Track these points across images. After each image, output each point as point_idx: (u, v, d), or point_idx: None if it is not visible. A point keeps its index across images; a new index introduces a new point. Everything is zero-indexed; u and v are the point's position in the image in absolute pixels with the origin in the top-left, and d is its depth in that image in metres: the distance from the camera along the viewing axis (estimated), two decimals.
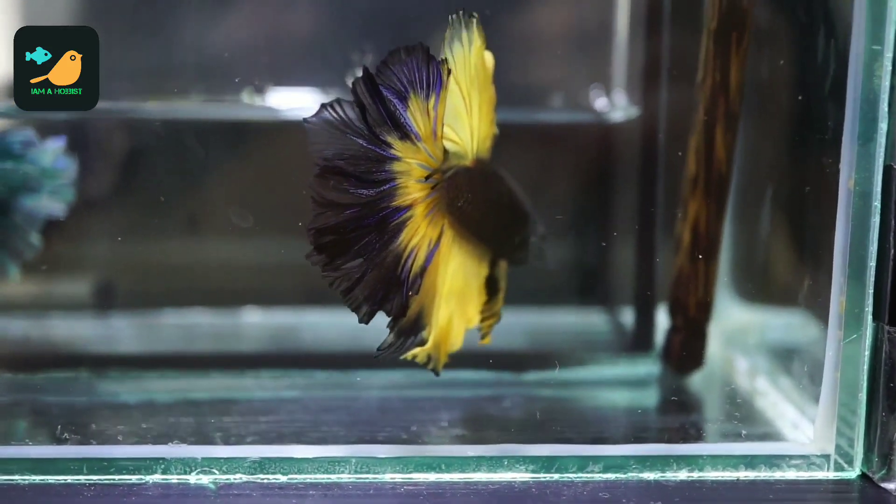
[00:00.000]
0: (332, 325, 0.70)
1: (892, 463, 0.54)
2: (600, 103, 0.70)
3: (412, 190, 0.51)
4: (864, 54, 0.52)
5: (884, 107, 0.52)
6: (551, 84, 0.71)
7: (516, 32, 0.70)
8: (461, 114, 0.52)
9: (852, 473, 0.55)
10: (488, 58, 0.53)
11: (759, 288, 0.69)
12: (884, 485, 0.54)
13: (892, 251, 0.53)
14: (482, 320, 0.57)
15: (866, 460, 0.55)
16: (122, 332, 0.70)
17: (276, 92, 0.66)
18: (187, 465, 0.53)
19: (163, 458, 0.53)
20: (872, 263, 0.53)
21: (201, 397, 0.62)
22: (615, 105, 0.69)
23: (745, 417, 0.61)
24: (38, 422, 0.59)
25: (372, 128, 0.49)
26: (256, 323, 0.72)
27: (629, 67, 0.68)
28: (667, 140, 0.64)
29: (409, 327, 0.53)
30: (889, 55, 0.51)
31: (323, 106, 0.49)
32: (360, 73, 0.49)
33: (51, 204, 0.64)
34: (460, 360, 0.64)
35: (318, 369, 0.65)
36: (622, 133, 0.68)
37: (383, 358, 0.52)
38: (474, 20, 0.52)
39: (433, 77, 0.50)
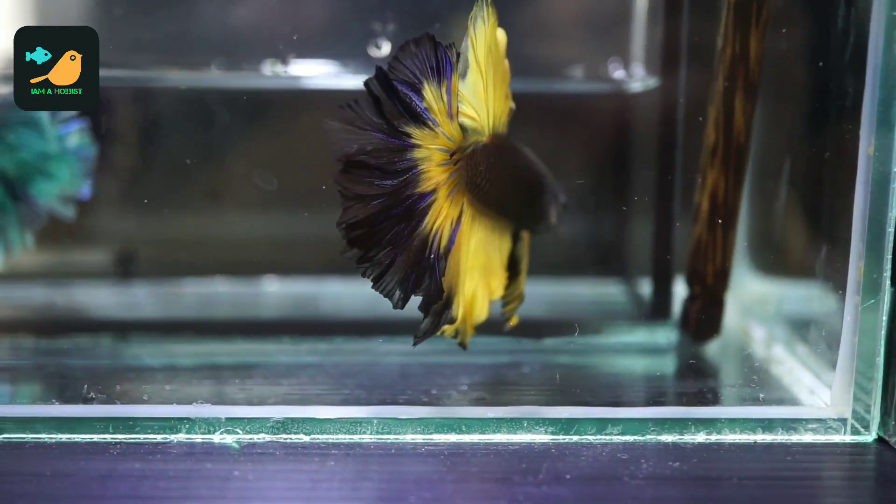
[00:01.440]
0: (352, 293, 0.71)
1: None
2: (619, 74, 0.70)
3: (434, 174, 0.52)
4: (885, 21, 0.52)
5: None
6: (572, 56, 0.71)
7: (537, 5, 0.70)
8: (479, 91, 0.53)
9: (869, 437, 0.55)
10: (501, 35, 0.54)
11: (777, 258, 0.69)
12: None
13: None
14: (505, 304, 0.58)
15: (883, 424, 0.55)
16: (145, 299, 0.71)
17: (297, 63, 0.67)
18: (211, 425, 0.54)
19: (187, 418, 0.54)
20: (891, 229, 0.54)
21: (223, 362, 0.63)
22: (634, 75, 0.70)
23: (761, 383, 0.62)
24: (65, 384, 0.60)
25: (390, 121, 0.51)
26: (277, 291, 0.72)
27: (648, 39, 0.69)
28: (686, 109, 0.65)
29: (441, 307, 0.54)
30: None
31: (340, 107, 0.50)
32: (376, 69, 0.50)
33: (59, 202, 0.64)
34: (481, 327, 0.65)
35: (339, 336, 0.66)
36: (641, 103, 0.69)
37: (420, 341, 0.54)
38: None
39: (442, 62, 0.51)
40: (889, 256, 0.54)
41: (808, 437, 0.56)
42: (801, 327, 0.64)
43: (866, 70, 0.53)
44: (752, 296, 0.72)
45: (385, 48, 0.65)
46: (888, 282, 0.54)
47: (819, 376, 0.60)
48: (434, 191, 0.53)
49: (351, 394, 0.59)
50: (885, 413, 0.55)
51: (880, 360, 0.55)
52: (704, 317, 0.65)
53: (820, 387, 0.59)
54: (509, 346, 0.65)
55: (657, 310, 0.67)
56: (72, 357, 0.63)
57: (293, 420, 0.55)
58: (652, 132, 0.67)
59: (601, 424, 0.55)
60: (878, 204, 0.54)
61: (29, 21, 0.68)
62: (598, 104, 0.71)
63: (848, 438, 0.56)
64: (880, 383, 0.55)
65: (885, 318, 0.54)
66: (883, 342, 0.55)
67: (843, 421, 0.56)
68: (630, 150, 0.70)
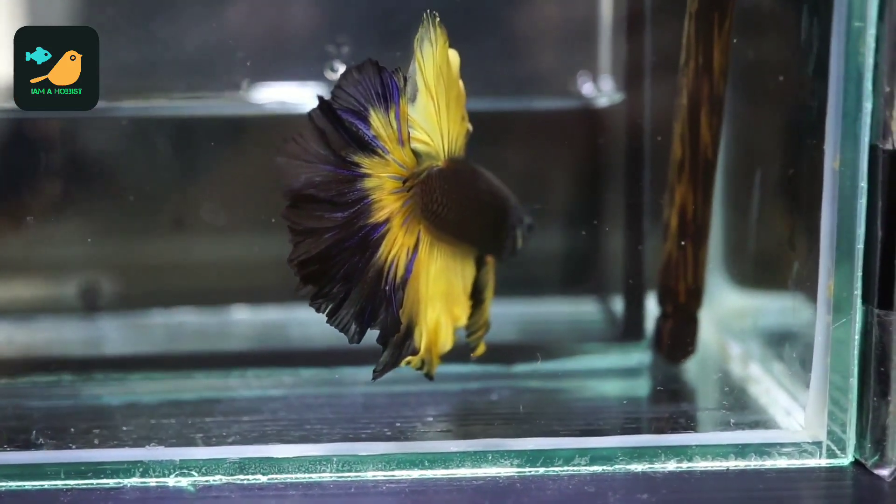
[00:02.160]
0: (319, 321, 0.69)
1: (885, 449, 0.52)
2: (587, 89, 0.69)
3: (387, 202, 0.51)
4: (847, 31, 0.50)
5: (868, 85, 0.50)
6: (538, 71, 0.70)
7: (505, 21, 0.69)
8: (431, 114, 0.52)
9: (845, 460, 0.54)
10: (453, 55, 0.53)
11: (753, 272, 0.68)
12: (877, 471, 0.52)
13: (880, 233, 0.51)
14: (470, 333, 0.57)
15: (859, 446, 0.53)
16: (108, 333, 0.69)
17: (254, 88, 0.65)
18: (166, 467, 0.52)
19: (141, 462, 0.52)
20: (860, 246, 0.52)
21: (185, 398, 0.61)
22: (602, 91, 0.68)
23: (737, 405, 0.60)
24: (16, 427, 0.58)
25: (337, 151, 0.49)
26: (242, 321, 0.71)
27: (614, 53, 0.67)
28: (652, 125, 0.63)
29: (400, 339, 0.52)
30: (872, 32, 0.50)
31: (285, 140, 0.49)
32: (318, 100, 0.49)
33: None
34: (449, 354, 0.64)
35: (304, 367, 0.64)
36: (608, 119, 0.67)
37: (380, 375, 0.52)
38: (436, 19, 0.51)
39: (388, 87, 0.50)
40: (859, 273, 0.52)
41: (782, 462, 0.54)
42: (777, 344, 0.63)
43: (829, 82, 0.51)
44: (729, 310, 0.70)
45: (341, 70, 0.64)
46: (860, 300, 0.52)
47: (795, 396, 0.58)
48: (388, 220, 0.51)
49: (312, 429, 0.57)
50: (860, 435, 0.53)
51: (854, 380, 0.53)
52: (678, 336, 0.63)
53: (796, 408, 0.57)
54: (479, 372, 0.63)
55: (629, 330, 0.65)
56: (27, 398, 0.62)
57: (250, 460, 0.53)
58: (620, 148, 0.65)
59: (568, 455, 0.53)
60: (846, 220, 0.52)
61: None
62: (564, 120, 0.69)
63: (824, 462, 0.54)
64: (855, 404, 0.53)
65: (857, 336, 0.53)
66: (856, 362, 0.53)
67: (819, 444, 0.54)
68: (598, 167, 0.68)
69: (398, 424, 0.57)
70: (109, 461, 0.52)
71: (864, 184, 0.51)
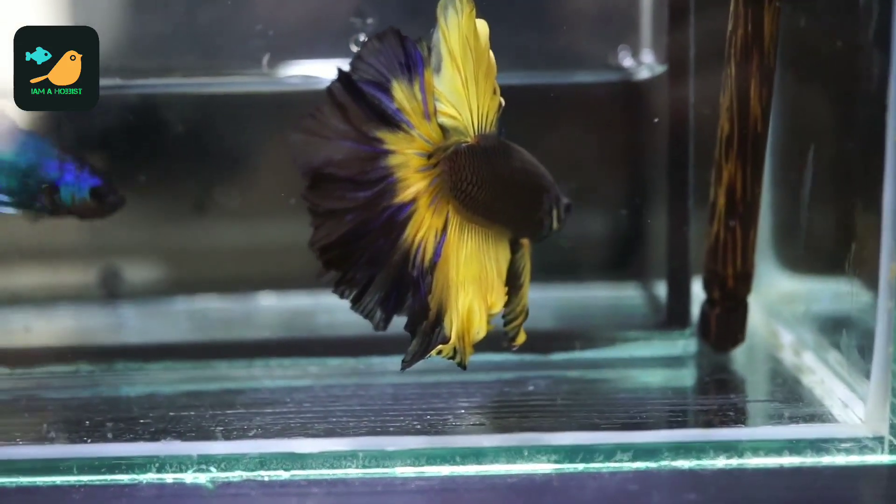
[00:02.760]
0: (345, 308, 0.66)
1: None
2: (627, 62, 0.65)
3: (413, 181, 0.48)
4: None
5: None
6: (574, 45, 0.66)
7: None
8: (458, 87, 0.48)
9: None
10: (481, 25, 0.49)
11: (805, 255, 0.64)
12: None
13: None
14: (507, 322, 0.53)
15: None
16: (129, 321, 0.67)
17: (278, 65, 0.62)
18: (183, 462, 0.50)
19: (157, 457, 0.50)
20: None
21: (206, 389, 0.59)
22: (643, 63, 0.64)
23: (789, 397, 0.56)
24: (28, 421, 0.56)
25: (358, 127, 0.46)
26: (270, 308, 0.68)
27: (655, 23, 0.63)
28: (696, 98, 0.59)
29: (430, 326, 0.49)
30: None
31: (302, 117, 0.46)
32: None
33: None
34: (483, 342, 0.60)
35: (331, 356, 0.61)
36: (650, 93, 0.63)
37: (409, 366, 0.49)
38: None
39: (412, 57, 0.46)
40: None
41: (840, 459, 0.50)
42: (832, 331, 0.59)
43: (891, 50, 0.47)
44: (780, 296, 0.66)
45: None
46: None
47: (853, 388, 0.54)
48: (414, 200, 0.48)
49: (338, 422, 0.54)
50: None
51: None
52: (725, 323, 0.60)
53: (854, 400, 0.54)
54: (515, 361, 0.60)
55: (674, 317, 0.61)
56: (44, 389, 0.59)
57: (271, 455, 0.50)
58: (662, 123, 0.61)
59: (609, 451, 0.50)
60: None
61: None
62: (603, 95, 0.66)
63: (886, 459, 0.50)
64: None
65: None
66: None
67: (881, 439, 0.50)
68: (639, 143, 0.64)
69: (428, 417, 0.54)
70: (124, 456, 0.50)
71: None
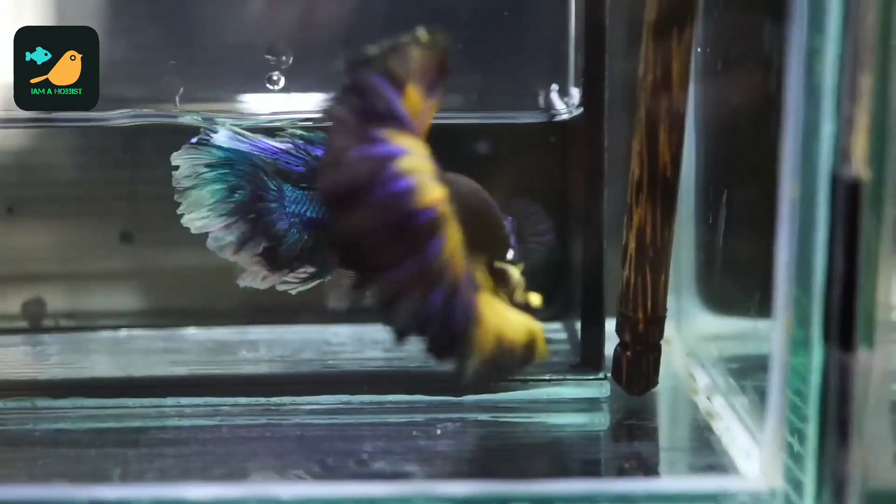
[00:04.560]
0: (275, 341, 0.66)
1: (845, 500, 0.48)
2: (555, 102, 0.65)
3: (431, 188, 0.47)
4: (805, 49, 0.46)
5: (828, 108, 0.46)
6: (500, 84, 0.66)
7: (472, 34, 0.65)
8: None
9: None
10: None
11: (721, 296, 0.64)
12: None
13: (841, 268, 0.47)
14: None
15: (818, 496, 0.49)
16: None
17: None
18: None
19: (45, 501, 0.49)
20: (820, 280, 0.48)
21: (109, 427, 0.58)
22: (567, 104, 0.64)
23: (696, 445, 0.56)
24: None
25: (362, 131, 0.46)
26: (192, 342, 0.68)
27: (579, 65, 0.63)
28: (611, 140, 0.59)
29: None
30: (833, 49, 0.46)
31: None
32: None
33: None
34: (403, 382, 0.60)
35: (243, 395, 0.61)
36: (570, 133, 0.63)
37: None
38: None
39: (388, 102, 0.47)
40: (819, 311, 0.48)
41: None
42: (739, 375, 0.59)
43: (785, 106, 0.47)
44: (699, 335, 0.66)
45: (281, 82, 0.60)
46: (819, 339, 0.48)
47: (755, 437, 0.54)
48: (436, 206, 0.47)
49: (237, 466, 0.54)
50: (819, 484, 0.49)
51: (812, 424, 0.49)
52: (637, 367, 0.60)
53: (756, 449, 0.54)
54: (426, 402, 0.60)
55: (587, 359, 0.61)
56: None
57: (163, 502, 0.50)
58: (580, 164, 0.61)
59: (502, 501, 0.50)
60: (804, 252, 0.48)
61: None
62: (527, 135, 0.65)
63: None
64: (814, 451, 0.49)
65: (816, 377, 0.49)
66: (816, 406, 0.49)
67: (774, 493, 0.50)
68: (559, 184, 0.64)
69: (329, 461, 0.54)
70: (10, 500, 0.49)
71: (823, 214, 0.47)
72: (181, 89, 0.60)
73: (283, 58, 0.60)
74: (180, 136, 0.61)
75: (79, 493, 0.50)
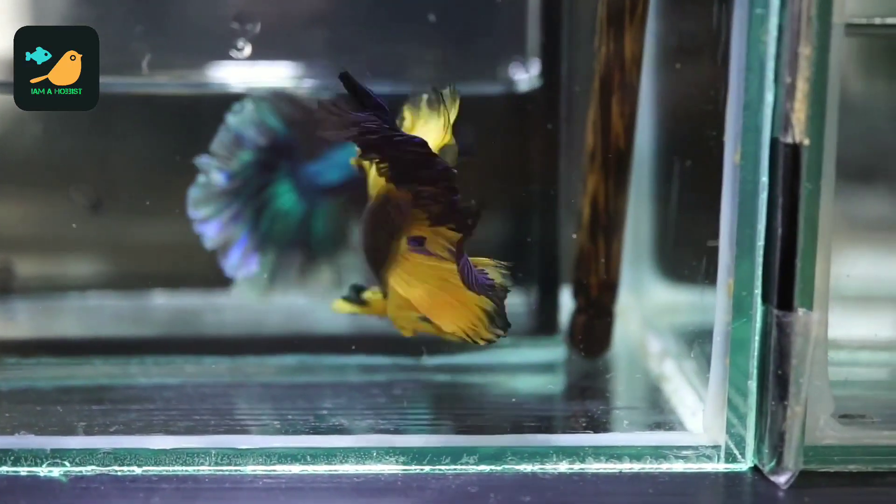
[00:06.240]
0: (235, 308, 0.67)
1: (782, 455, 0.50)
2: (515, 73, 0.66)
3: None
4: (749, 18, 0.48)
5: (770, 76, 0.48)
6: (460, 55, 0.67)
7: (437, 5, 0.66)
8: None
9: (744, 465, 0.52)
10: None
11: (674, 266, 0.65)
12: (773, 478, 0.50)
13: (780, 230, 0.49)
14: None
15: (757, 451, 0.51)
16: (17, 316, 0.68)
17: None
18: (37, 456, 0.51)
19: (11, 450, 0.51)
20: (761, 243, 0.50)
21: (76, 385, 0.60)
22: (527, 75, 0.66)
23: (645, 405, 0.58)
24: None
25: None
26: (159, 306, 0.69)
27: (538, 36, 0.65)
28: (567, 111, 0.61)
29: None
30: (774, 20, 0.48)
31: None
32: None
33: None
34: (364, 344, 0.61)
35: (210, 355, 0.62)
36: (528, 104, 0.65)
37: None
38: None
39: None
40: (759, 272, 0.50)
41: (679, 466, 0.52)
42: (688, 341, 0.61)
43: (729, 71, 0.49)
44: (654, 305, 0.68)
45: (247, 50, 0.62)
46: (759, 299, 0.50)
47: (702, 397, 0.56)
48: None
49: (200, 420, 0.55)
50: (759, 440, 0.51)
51: (753, 383, 0.51)
52: (590, 331, 0.61)
53: (701, 409, 0.55)
54: (388, 364, 0.62)
55: (542, 323, 0.63)
56: None
57: (125, 451, 0.51)
58: (538, 134, 0.63)
59: (455, 453, 0.51)
60: (746, 216, 0.50)
61: None
62: (489, 105, 0.67)
63: (721, 467, 0.52)
64: (754, 407, 0.51)
65: (757, 337, 0.51)
66: (755, 364, 0.51)
67: (717, 448, 0.52)
68: (516, 153, 0.66)
69: (290, 417, 0.56)
70: None
71: (764, 178, 0.49)
72: (147, 56, 0.61)
73: (250, 26, 0.61)
74: (149, 105, 0.63)
75: (43, 443, 0.51)
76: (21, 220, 0.69)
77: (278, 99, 0.60)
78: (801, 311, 0.49)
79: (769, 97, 0.48)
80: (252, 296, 0.61)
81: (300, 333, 0.64)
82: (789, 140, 0.48)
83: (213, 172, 0.60)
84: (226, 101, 0.60)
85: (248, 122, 0.60)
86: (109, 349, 0.62)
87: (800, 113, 0.48)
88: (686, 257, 0.64)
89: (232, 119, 0.60)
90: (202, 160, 0.60)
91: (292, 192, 0.61)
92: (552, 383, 0.62)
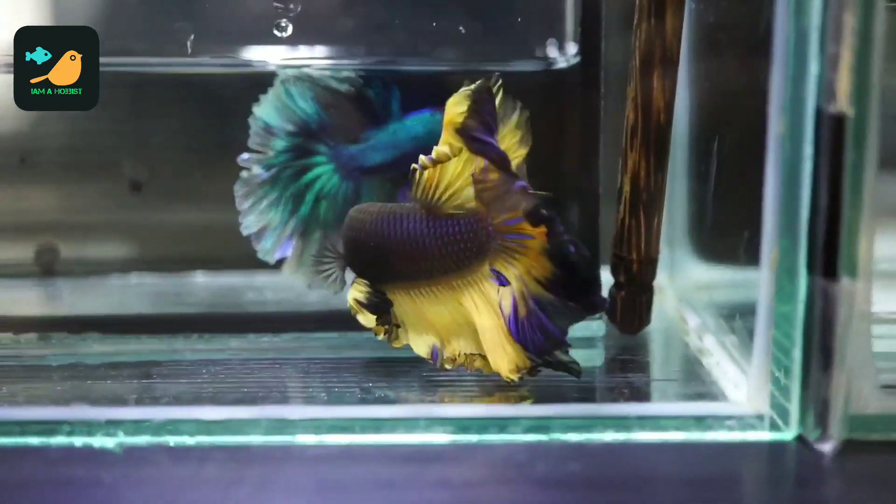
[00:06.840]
0: (277, 286, 0.68)
1: (827, 423, 0.51)
2: (551, 52, 0.67)
3: None
4: None
5: (814, 47, 0.49)
6: (499, 34, 0.68)
7: None
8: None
9: (788, 434, 0.52)
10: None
11: (713, 244, 0.66)
12: (818, 446, 0.51)
13: (825, 200, 0.50)
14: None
15: (802, 421, 0.52)
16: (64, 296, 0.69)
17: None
18: (91, 427, 0.52)
19: (66, 421, 0.52)
20: (805, 213, 0.50)
21: (125, 360, 0.60)
22: (565, 54, 0.66)
23: (687, 377, 0.59)
24: None
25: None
26: (200, 286, 0.70)
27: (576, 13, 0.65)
28: (607, 87, 0.61)
29: None
30: None
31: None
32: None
33: None
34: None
35: (255, 332, 0.63)
36: (567, 82, 0.65)
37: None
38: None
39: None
40: (804, 242, 0.50)
41: (723, 435, 0.52)
42: (731, 317, 0.61)
43: (773, 44, 0.49)
44: (691, 282, 0.69)
45: (290, 29, 0.62)
46: (804, 269, 0.51)
47: (744, 370, 0.57)
48: None
49: (248, 392, 0.56)
50: (803, 409, 0.52)
51: (798, 352, 0.51)
52: (631, 307, 0.62)
53: (744, 381, 0.56)
54: None
55: None
56: None
57: (177, 421, 0.52)
58: (577, 111, 0.63)
59: (502, 424, 0.52)
60: (790, 187, 0.50)
61: None
62: (527, 84, 0.67)
63: (766, 436, 0.52)
64: (798, 377, 0.51)
65: (801, 307, 0.51)
66: (800, 333, 0.51)
67: (761, 417, 0.53)
68: (556, 131, 0.66)
69: (336, 390, 0.56)
70: (34, 420, 0.52)
71: (809, 149, 0.50)
72: (192, 36, 0.62)
73: (292, 5, 0.62)
74: (187, 87, 0.64)
75: (98, 414, 0.52)
76: (64, 204, 0.70)
77: (304, 81, 0.61)
78: (845, 280, 0.50)
79: (814, 68, 0.49)
80: (299, 276, 0.62)
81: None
82: (833, 110, 0.49)
83: (254, 167, 0.61)
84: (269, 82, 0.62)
85: (272, 110, 0.61)
86: (154, 326, 0.63)
87: (844, 83, 0.48)
88: (723, 236, 0.65)
89: (256, 110, 0.61)
90: (243, 157, 0.61)
91: (335, 173, 0.62)
92: (592, 357, 0.62)
